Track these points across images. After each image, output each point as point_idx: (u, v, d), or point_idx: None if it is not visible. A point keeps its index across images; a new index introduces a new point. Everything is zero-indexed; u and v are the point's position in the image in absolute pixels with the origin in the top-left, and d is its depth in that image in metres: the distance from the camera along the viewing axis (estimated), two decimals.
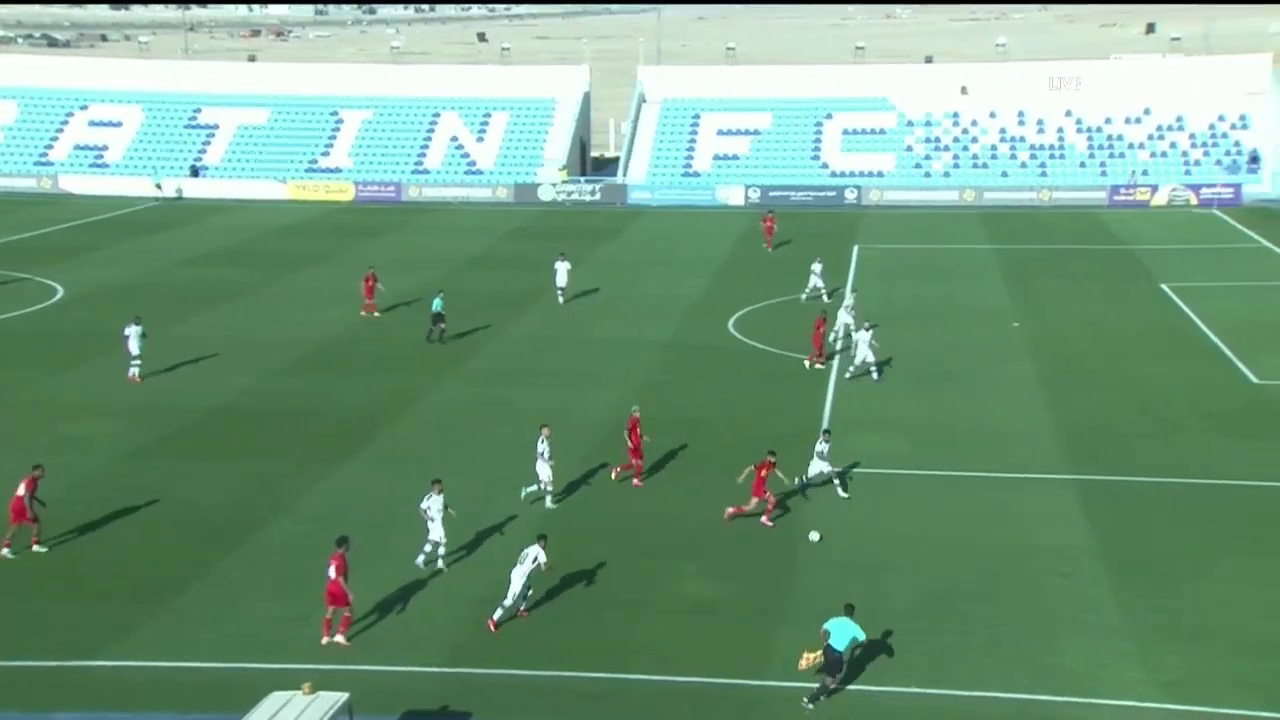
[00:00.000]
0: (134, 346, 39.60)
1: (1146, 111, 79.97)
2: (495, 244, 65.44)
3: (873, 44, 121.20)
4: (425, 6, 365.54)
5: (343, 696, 18.95)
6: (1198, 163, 76.82)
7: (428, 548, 26.29)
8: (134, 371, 39.68)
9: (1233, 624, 23.37)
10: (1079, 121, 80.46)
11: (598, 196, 78.90)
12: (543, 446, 29.51)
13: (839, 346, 42.22)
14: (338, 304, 50.62)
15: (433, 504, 26.13)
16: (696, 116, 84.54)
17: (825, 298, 49.40)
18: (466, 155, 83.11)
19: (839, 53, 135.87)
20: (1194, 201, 73.07)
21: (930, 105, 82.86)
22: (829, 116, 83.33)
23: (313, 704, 18.54)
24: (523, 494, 29.94)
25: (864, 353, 39.29)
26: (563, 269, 50.55)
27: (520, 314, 49.10)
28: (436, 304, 44.22)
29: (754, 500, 28.40)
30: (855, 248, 62.06)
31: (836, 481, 29.76)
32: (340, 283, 54.90)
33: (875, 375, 39.27)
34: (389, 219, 72.88)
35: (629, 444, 31.06)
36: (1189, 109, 79.45)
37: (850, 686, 21.60)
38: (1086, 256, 59.47)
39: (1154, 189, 74.08)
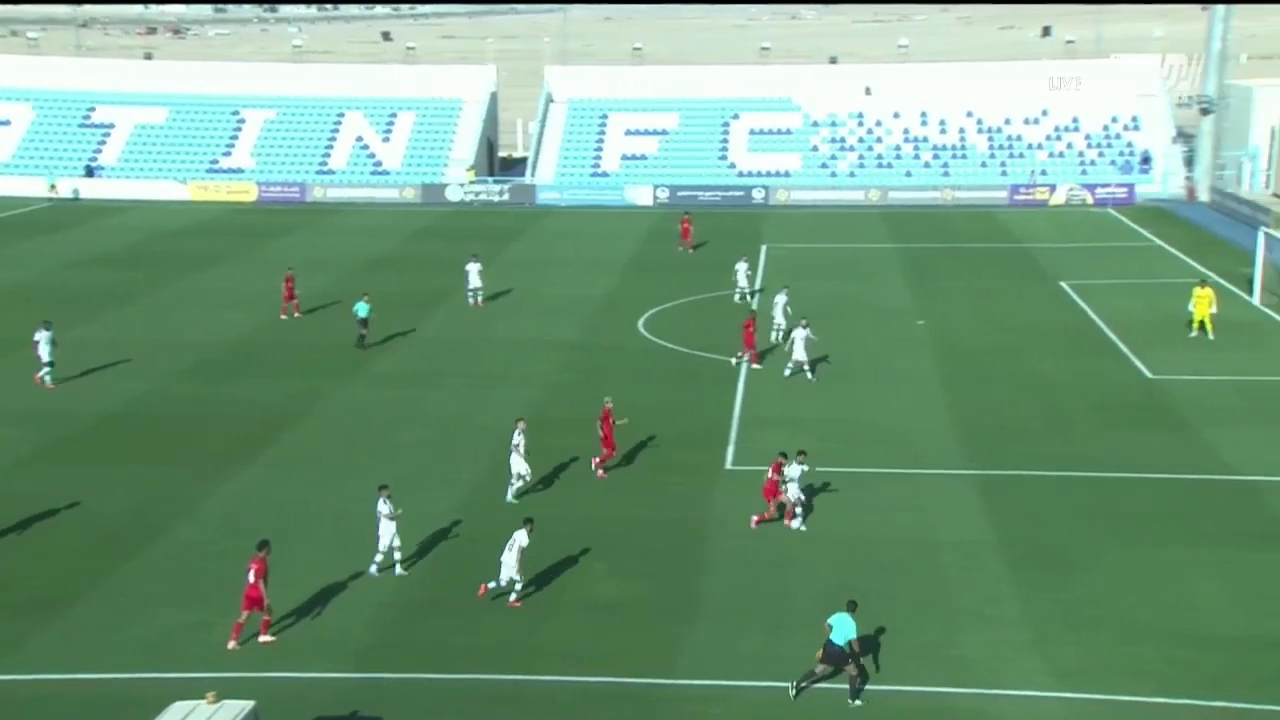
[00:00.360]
0: (44, 353, 38.65)
1: (1044, 113, 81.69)
2: (402, 245, 64.88)
3: (778, 45, 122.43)
4: (328, 5, 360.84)
5: (248, 705, 18.69)
6: (1093, 163, 78.67)
7: (397, 555, 25.94)
8: (45, 377, 38.72)
9: (1125, 613, 23.97)
10: (980, 122, 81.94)
11: (506, 197, 78.61)
12: (518, 439, 29.64)
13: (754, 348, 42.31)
14: (241, 306, 49.85)
15: (386, 508, 25.75)
16: (604, 117, 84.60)
17: (740, 298, 49.69)
18: (372, 155, 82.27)
19: (745, 53, 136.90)
20: (1090, 201, 74.80)
21: (835, 106, 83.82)
22: (736, 117, 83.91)
23: (217, 713, 18.26)
24: (509, 497, 29.77)
25: (800, 350, 39.36)
26: (474, 270, 50.23)
27: (428, 315, 48.72)
28: (361, 308, 43.38)
29: (772, 503, 28.11)
30: (763, 247, 62.55)
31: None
32: (243, 284, 54.12)
33: (787, 371, 39.50)
34: (293, 220, 71.87)
35: (600, 434, 31.41)
36: (1084, 111, 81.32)
37: (756, 683, 21.78)
38: (988, 255, 60.58)
39: (1052, 189, 75.70)
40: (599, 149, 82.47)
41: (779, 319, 43.48)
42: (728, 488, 30.78)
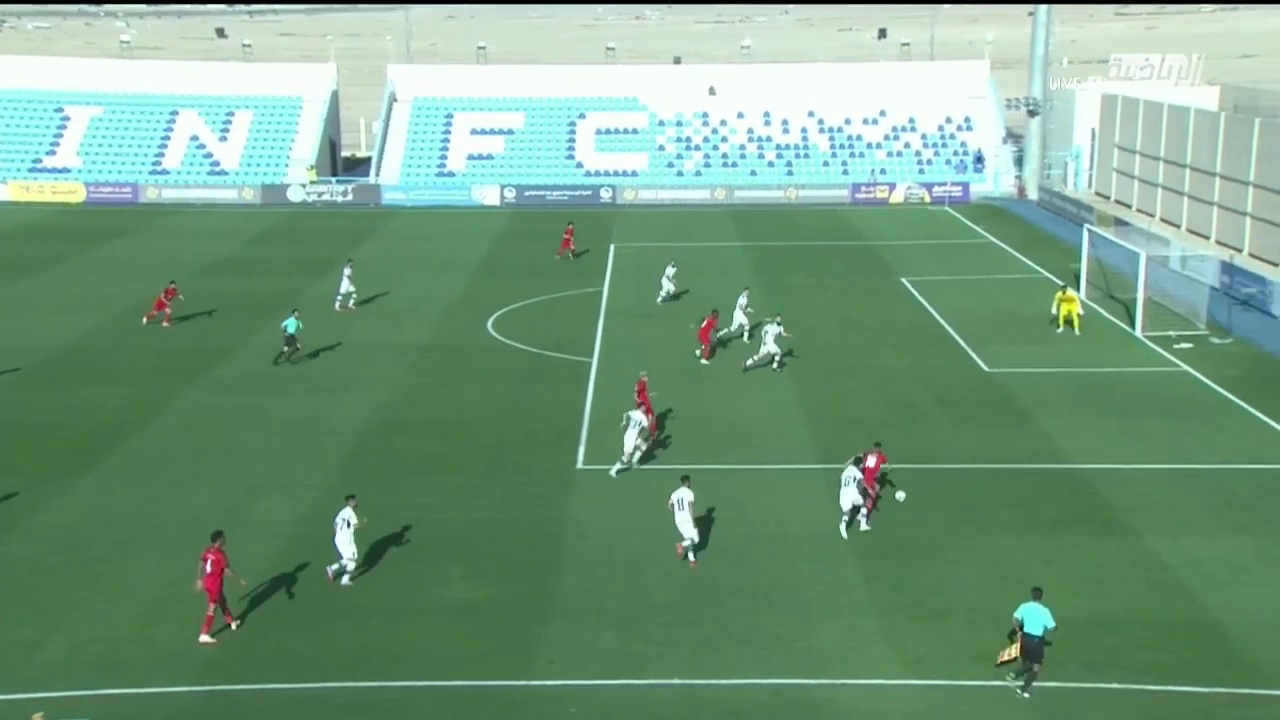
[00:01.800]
0: None
1: (882, 113, 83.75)
2: (243, 247, 63.23)
3: (622, 45, 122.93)
4: (159, 0, 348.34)
5: None
6: (930, 162, 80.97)
7: (334, 566, 25.29)
8: None
9: (969, 600, 24.66)
10: (821, 122, 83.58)
11: (350, 197, 77.25)
12: (638, 416, 30.90)
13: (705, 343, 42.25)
14: (73, 311, 47.98)
15: (348, 517, 25.13)
16: (449, 116, 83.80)
17: (662, 300, 49.92)
18: (209, 155, 79.99)
19: (590, 53, 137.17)
20: (927, 199, 76.95)
21: (680, 105, 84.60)
22: (582, 116, 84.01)
23: None
24: (612, 473, 30.83)
25: (769, 346, 40.03)
26: (346, 275, 49.13)
27: (270, 318, 47.42)
28: (290, 324, 41.31)
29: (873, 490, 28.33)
30: (611, 246, 62.75)
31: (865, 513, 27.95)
32: (74, 288, 52.15)
33: (749, 362, 40.33)
34: (126, 221, 69.40)
35: (638, 404, 32.61)
36: (920, 111, 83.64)
37: (613, 681, 21.81)
38: (833, 253, 61.80)
39: (892, 187, 77.67)
40: (444, 149, 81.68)
41: (740, 319, 43.98)
42: (581, 487, 30.76)
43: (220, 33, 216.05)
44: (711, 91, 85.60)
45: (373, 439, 34.29)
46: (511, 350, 43.59)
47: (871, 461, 28.47)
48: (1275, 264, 53.83)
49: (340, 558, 25.19)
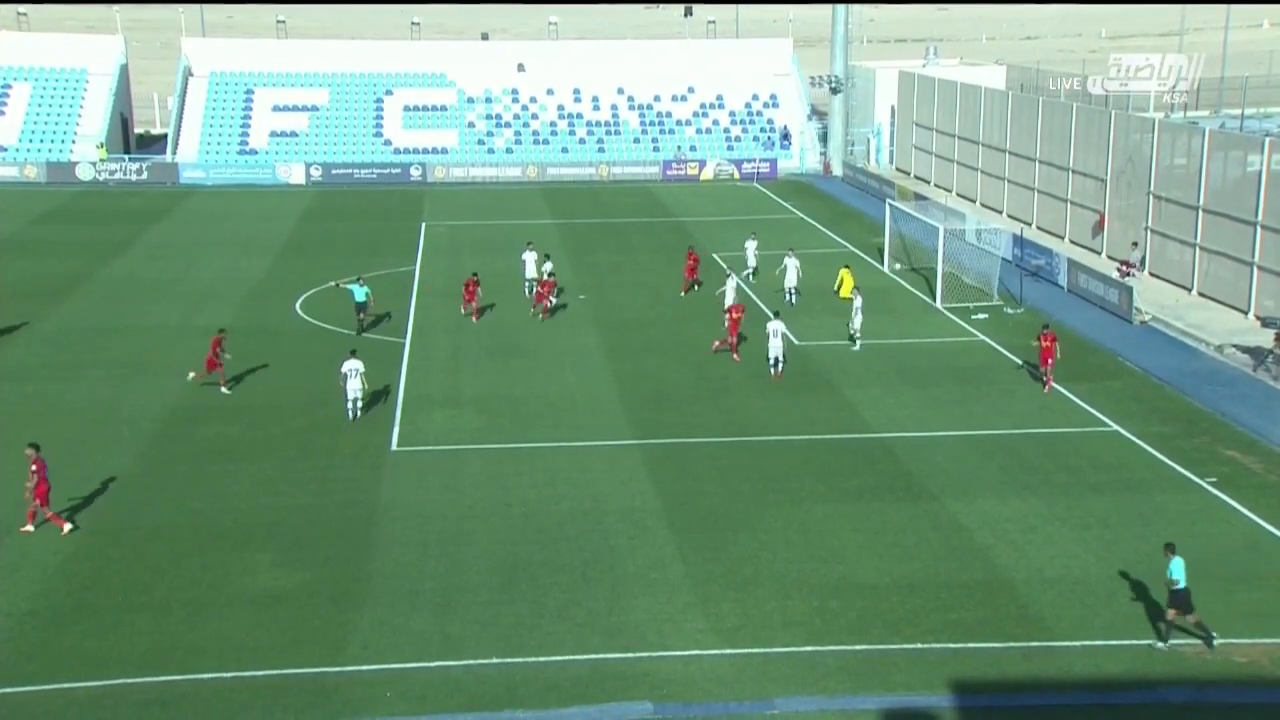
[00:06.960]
0: None
1: (691, 90, 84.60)
2: (26, 227, 60.14)
3: (428, 20, 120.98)
4: None
5: None
6: (738, 139, 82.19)
7: (351, 406, 32.77)
8: None
9: (779, 569, 25.20)
10: (631, 99, 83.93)
11: (145, 176, 74.17)
12: (775, 325, 36.87)
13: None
14: None
15: (356, 366, 32.69)
16: (250, 91, 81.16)
17: (748, 277, 49.48)
18: None
19: (395, 28, 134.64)
20: (737, 176, 78.11)
21: (489, 82, 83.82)
22: (389, 93, 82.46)
23: None
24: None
25: (791, 277, 46.16)
26: (529, 259, 48.20)
27: (60, 302, 45.39)
28: (359, 293, 41.61)
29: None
30: (422, 225, 61.87)
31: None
32: None
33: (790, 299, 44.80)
34: None
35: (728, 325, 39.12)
36: (727, 89, 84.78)
37: (428, 663, 21.57)
38: (644, 229, 62.20)
39: (701, 164, 78.58)
40: (246, 125, 79.11)
41: (751, 262, 49.83)
42: (394, 470, 30.30)
43: None
44: (520, 68, 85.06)
45: (173, 426, 33.09)
46: (321, 332, 42.58)
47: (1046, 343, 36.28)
48: (1061, 236, 56.52)
49: (358, 401, 32.65)
